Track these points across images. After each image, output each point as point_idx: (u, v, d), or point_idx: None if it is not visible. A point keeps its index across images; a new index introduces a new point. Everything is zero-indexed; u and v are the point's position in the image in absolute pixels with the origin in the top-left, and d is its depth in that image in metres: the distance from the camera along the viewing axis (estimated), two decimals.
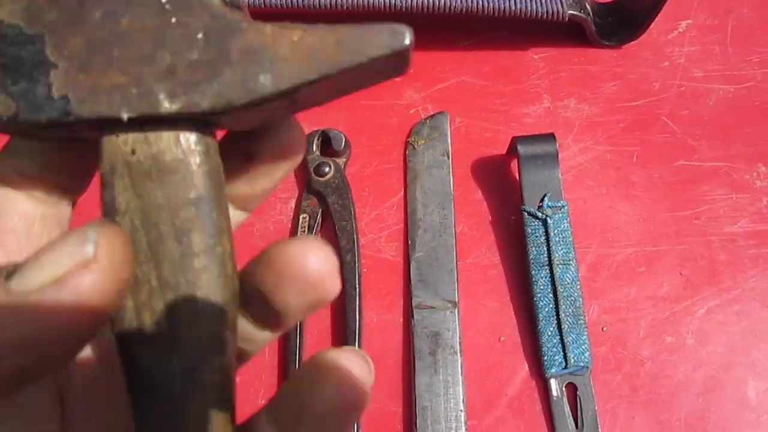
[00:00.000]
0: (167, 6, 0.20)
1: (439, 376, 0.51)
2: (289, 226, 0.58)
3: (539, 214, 0.53)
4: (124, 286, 0.19)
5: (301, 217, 0.57)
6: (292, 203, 0.59)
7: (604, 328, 0.53)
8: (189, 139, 0.21)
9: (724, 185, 0.58)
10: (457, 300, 0.53)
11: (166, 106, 0.20)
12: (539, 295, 0.52)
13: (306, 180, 0.58)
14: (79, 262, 0.18)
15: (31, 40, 0.19)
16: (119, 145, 0.21)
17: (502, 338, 0.53)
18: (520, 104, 0.62)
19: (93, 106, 0.19)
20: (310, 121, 0.62)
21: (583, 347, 0.50)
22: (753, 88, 0.62)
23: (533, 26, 0.63)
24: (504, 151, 0.59)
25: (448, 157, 0.59)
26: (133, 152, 0.20)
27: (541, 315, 0.51)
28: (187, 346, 0.21)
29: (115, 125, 0.20)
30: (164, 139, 0.21)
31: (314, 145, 0.58)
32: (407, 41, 0.20)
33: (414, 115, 0.62)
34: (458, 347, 0.52)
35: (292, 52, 0.20)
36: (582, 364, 0.50)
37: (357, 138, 0.61)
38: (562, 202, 0.53)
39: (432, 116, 0.61)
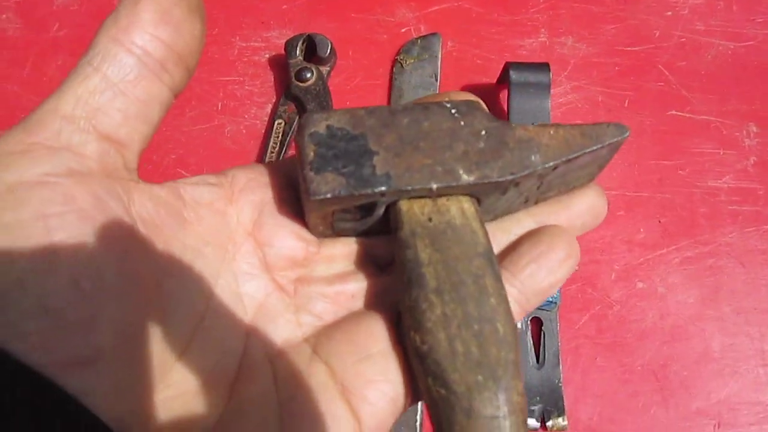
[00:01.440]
0: (455, 114, 0.27)
1: None
2: (263, 131, 0.55)
3: None
4: None
5: (276, 122, 0.54)
6: (269, 108, 0.56)
7: (576, 267, 0.51)
8: (471, 207, 0.27)
9: (713, 140, 0.56)
10: None
11: (465, 178, 0.26)
12: None
13: (286, 85, 0.55)
14: None
15: (356, 138, 0.26)
16: (417, 214, 0.27)
17: None
18: (515, 35, 0.60)
19: (409, 180, 0.26)
20: (295, 27, 0.59)
21: None
22: (753, 48, 0.60)
23: None
24: (494, 81, 0.57)
25: (437, 80, 0.57)
26: (430, 220, 0.26)
27: None
28: (498, 368, 0.24)
29: (419, 195, 0.27)
30: (452, 208, 0.27)
31: (298, 49, 0.55)
32: (627, 134, 0.28)
33: (405, 34, 0.59)
34: None
35: (552, 140, 0.27)
36: (550, 299, 0.49)
37: (344, 49, 0.58)
38: None
39: (424, 36, 0.58)
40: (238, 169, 0.28)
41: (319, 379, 0.25)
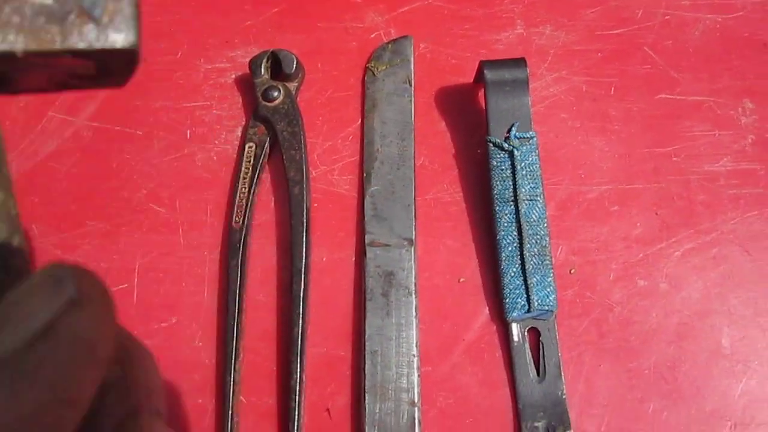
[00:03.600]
0: None
1: (391, 318, 0.47)
2: (235, 156, 0.53)
3: (505, 145, 0.48)
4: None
5: (247, 146, 0.52)
6: (239, 131, 0.54)
7: (572, 270, 0.49)
8: None
9: (707, 121, 0.53)
10: (414, 238, 0.49)
11: None
12: (503, 233, 0.47)
13: (254, 105, 0.53)
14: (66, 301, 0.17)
15: None
16: None
17: (462, 279, 0.49)
18: (490, 30, 0.57)
19: None
20: (260, 44, 0.57)
21: (548, 290, 0.46)
22: (742, 18, 0.57)
23: None
24: (471, 80, 0.54)
25: (410, 85, 0.54)
26: None
27: (503, 254, 0.47)
28: None
29: None
30: None
31: (263, 67, 0.53)
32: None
33: (375, 39, 0.57)
34: (413, 288, 0.47)
35: None
36: (546, 307, 0.46)
37: (312, 63, 0.56)
38: (531, 132, 0.49)
39: (394, 41, 0.56)
40: None
41: None
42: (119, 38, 0.21)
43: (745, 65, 0.55)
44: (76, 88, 0.25)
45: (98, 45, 0.20)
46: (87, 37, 0.20)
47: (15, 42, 0.20)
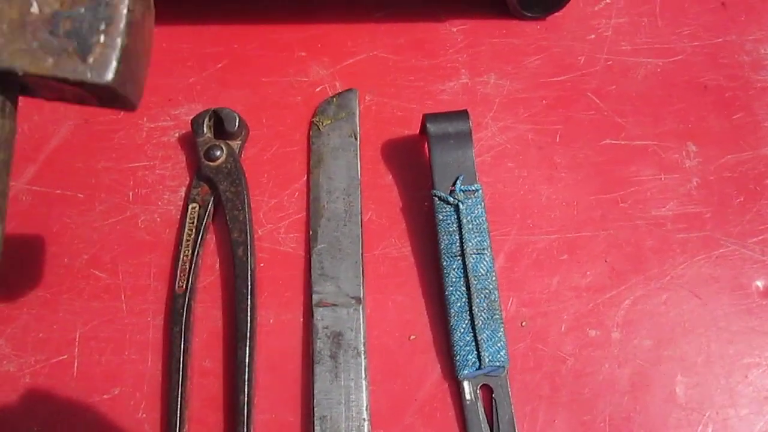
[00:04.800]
0: None
1: (340, 381, 0.45)
2: (178, 217, 0.52)
3: (451, 199, 0.48)
4: None
5: (190, 206, 0.51)
6: (182, 192, 0.53)
7: (523, 323, 0.48)
8: None
9: (653, 165, 0.54)
10: (362, 296, 0.48)
11: None
12: (451, 288, 0.47)
13: (197, 165, 0.52)
14: None
15: None
16: None
17: (412, 337, 0.48)
18: (435, 80, 0.57)
19: None
20: (204, 100, 0.56)
21: (499, 345, 0.46)
22: (683, 62, 0.58)
23: None
24: (417, 131, 0.54)
25: (356, 139, 0.54)
26: None
27: (452, 310, 0.46)
28: None
29: None
30: None
31: (205, 126, 0.52)
32: None
33: (321, 93, 0.56)
34: (362, 348, 0.46)
35: None
36: (498, 363, 0.45)
37: (257, 118, 0.55)
38: (476, 185, 0.48)
39: (339, 94, 0.56)
40: None
41: None
42: (95, 76, 0.25)
43: (688, 108, 0.56)
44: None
45: (78, 77, 0.25)
46: (70, 69, 0.25)
47: (18, 64, 0.25)
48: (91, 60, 0.25)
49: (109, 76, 0.26)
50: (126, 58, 0.27)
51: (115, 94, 0.27)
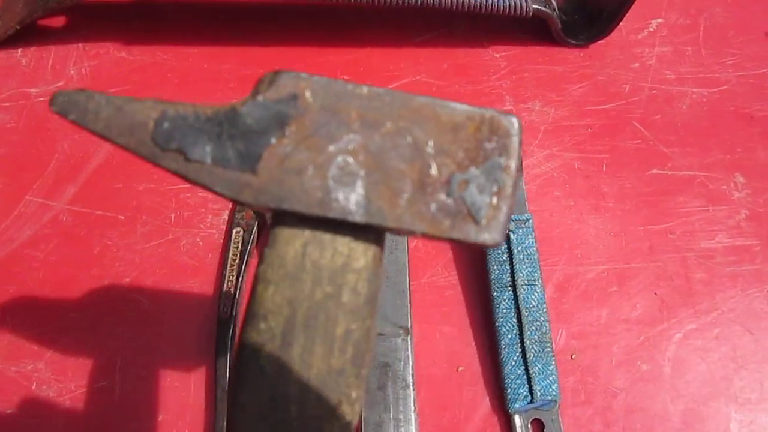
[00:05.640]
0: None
1: (389, 413, 0.44)
2: (221, 241, 0.51)
3: None
4: None
5: (234, 231, 0.50)
6: (225, 215, 0.52)
7: (573, 356, 0.47)
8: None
9: (700, 196, 0.53)
10: (409, 326, 0.47)
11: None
12: (501, 319, 0.46)
13: None
14: None
15: None
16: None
17: (461, 368, 0.47)
18: (479, 106, 0.56)
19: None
20: None
21: (551, 378, 0.45)
22: (728, 92, 0.58)
23: (495, 22, 0.58)
24: None
25: None
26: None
27: (503, 342, 0.46)
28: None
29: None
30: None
31: None
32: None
33: None
34: (411, 380, 0.45)
35: None
36: (549, 397, 0.44)
37: None
38: (526, 215, 0.48)
39: None
40: None
41: None
42: (488, 238, 0.25)
43: (734, 139, 0.55)
44: None
45: (471, 240, 0.25)
46: (465, 232, 0.25)
47: (418, 226, 0.26)
48: (484, 222, 0.25)
49: (499, 237, 0.26)
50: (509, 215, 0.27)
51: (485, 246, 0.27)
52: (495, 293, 0.46)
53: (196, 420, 0.46)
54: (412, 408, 0.45)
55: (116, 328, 0.48)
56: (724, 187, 0.53)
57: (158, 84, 0.57)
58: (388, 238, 0.49)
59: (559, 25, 0.57)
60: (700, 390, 0.47)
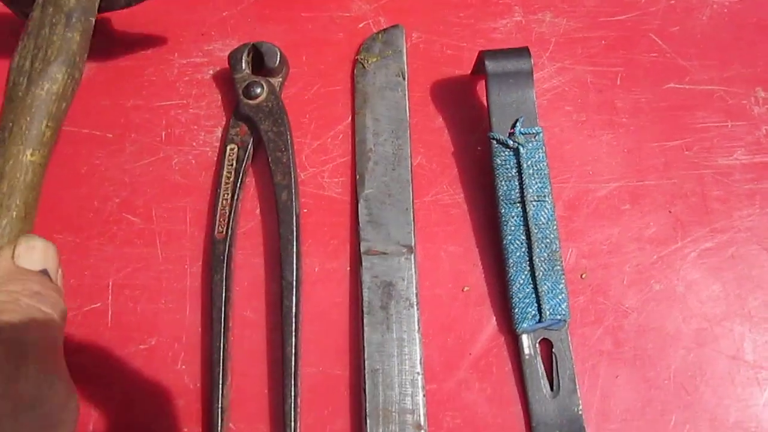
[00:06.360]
0: None
1: (392, 333, 0.43)
2: (215, 158, 0.49)
3: (510, 143, 0.45)
4: None
5: (228, 148, 0.48)
6: (219, 132, 0.50)
7: (583, 275, 0.46)
8: None
9: (719, 111, 0.50)
10: (413, 244, 0.45)
11: None
12: (509, 237, 0.44)
13: (234, 103, 0.49)
14: None
15: None
16: None
17: (466, 288, 0.45)
18: (487, 17, 0.53)
19: None
20: (239, 36, 0.52)
21: (560, 297, 0.43)
22: (750, 3, 0.54)
23: None
24: (469, 71, 0.50)
25: (404, 78, 0.50)
26: None
27: (511, 260, 0.44)
28: None
29: None
30: None
31: (243, 62, 0.48)
32: None
33: (364, 29, 0.53)
34: (414, 299, 0.44)
35: None
36: (558, 316, 0.43)
37: (296, 56, 0.51)
38: (537, 128, 0.45)
39: (385, 30, 0.52)
40: None
41: None
42: None
43: (756, 52, 0.52)
44: None
45: None
46: None
47: None
48: None
49: None
50: None
51: None
52: (503, 210, 0.44)
53: (191, 341, 0.44)
54: (416, 328, 0.43)
55: (106, 249, 0.46)
56: (744, 101, 0.51)
57: None
58: (390, 153, 0.47)
59: None
60: (713, 309, 0.45)
